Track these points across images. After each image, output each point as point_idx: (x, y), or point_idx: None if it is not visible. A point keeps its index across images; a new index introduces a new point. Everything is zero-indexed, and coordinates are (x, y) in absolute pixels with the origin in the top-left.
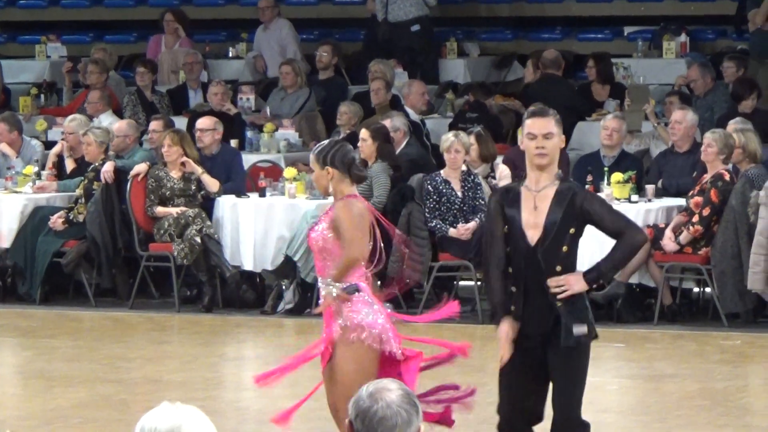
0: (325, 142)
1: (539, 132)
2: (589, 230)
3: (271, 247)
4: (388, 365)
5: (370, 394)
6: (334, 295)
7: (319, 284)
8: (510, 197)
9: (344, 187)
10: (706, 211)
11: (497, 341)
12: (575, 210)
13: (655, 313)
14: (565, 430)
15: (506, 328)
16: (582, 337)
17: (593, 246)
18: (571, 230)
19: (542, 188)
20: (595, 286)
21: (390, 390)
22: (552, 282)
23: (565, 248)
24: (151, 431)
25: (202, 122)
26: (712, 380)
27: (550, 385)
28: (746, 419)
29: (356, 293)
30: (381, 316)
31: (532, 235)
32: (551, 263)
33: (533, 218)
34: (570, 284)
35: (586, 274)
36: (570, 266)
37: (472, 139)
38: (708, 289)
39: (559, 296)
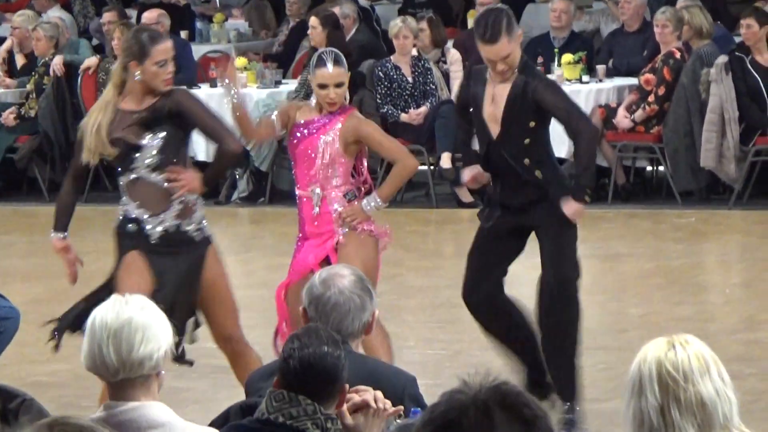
0: (328, 49)
1: (496, 58)
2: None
3: None
4: None
5: (323, 280)
6: (370, 211)
7: (317, 192)
8: (479, 77)
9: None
10: (661, 90)
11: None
12: (529, 102)
13: (608, 192)
14: (556, 286)
15: (468, 173)
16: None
17: None
18: (531, 123)
19: (502, 80)
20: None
21: (343, 276)
22: (568, 215)
23: (527, 141)
24: (101, 327)
25: (146, 16)
26: (667, 258)
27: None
28: (701, 296)
29: (355, 199)
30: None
31: (494, 129)
32: (518, 157)
33: (492, 110)
34: (569, 212)
35: (575, 196)
36: (539, 156)
37: (423, 24)
38: (661, 168)
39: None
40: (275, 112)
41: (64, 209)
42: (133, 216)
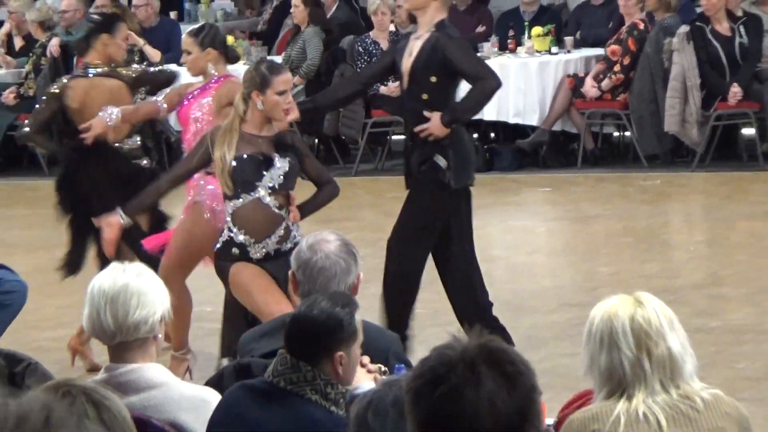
0: (198, 25)
1: None
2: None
3: None
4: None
5: (310, 246)
6: None
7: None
8: (402, 41)
9: (221, 68)
10: (626, 60)
11: None
12: (437, 58)
13: (578, 157)
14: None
15: None
16: (438, 170)
17: (518, 84)
18: (432, 78)
19: (419, 36)
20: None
21: (328, 241)
22: (417, 129)
23: (425, 96)
24: (99, 293)
25: None
26: (634, 219)
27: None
28: (668, 254)
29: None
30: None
31: (405, 80)
32: (415, 109)
33: (407, 63)
34: (431, 128)
35: (443, 116)
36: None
37: (400, 0)
38: (627, 133)
39: (422, 136)
40: (162, 95)
41: (148, 201)
42: (238, 241)
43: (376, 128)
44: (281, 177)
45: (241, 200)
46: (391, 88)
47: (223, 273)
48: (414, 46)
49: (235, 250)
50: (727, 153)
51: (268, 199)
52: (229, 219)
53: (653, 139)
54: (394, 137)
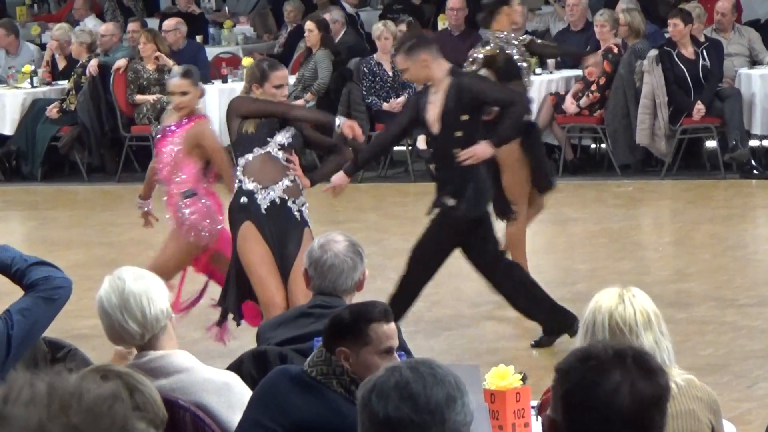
0: (183, 66)
1: (399, 68)
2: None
3: None
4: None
5: (321, 245)
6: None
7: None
8: (425, 91)
9: (198, 107)
10: (602, 80)
11: None
12: (463, 98)
13: (559, 166)
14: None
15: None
16: (447, 207)
17: None
18: (463, 117)
19: (437, 89)
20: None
21: (337, 242)
22: (462, 154)
23: (459, 133)
24: (111, 307)
25: (166, 24)
26: (609, 221)
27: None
28: (639, 253)
29: (194, 196)
30: (216, 218)
31: (436, 126)
32: (449, 147)
33: (433, 112)
34: (476, 152)
35: (491, 140)
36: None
37: (403, 26)
38: (603, 145)
39: (465, 162)
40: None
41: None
42: (246, 189)
43: None
44: (290, 137)
45: (252, 154)
46: (392, 105)
47: (233, 226)
48: (437, 97)
49: (243, 199)
50: (692, 163)
51: (277, 153)
52: (240, 170)
53: (626, 150)
54: (395, 148)
